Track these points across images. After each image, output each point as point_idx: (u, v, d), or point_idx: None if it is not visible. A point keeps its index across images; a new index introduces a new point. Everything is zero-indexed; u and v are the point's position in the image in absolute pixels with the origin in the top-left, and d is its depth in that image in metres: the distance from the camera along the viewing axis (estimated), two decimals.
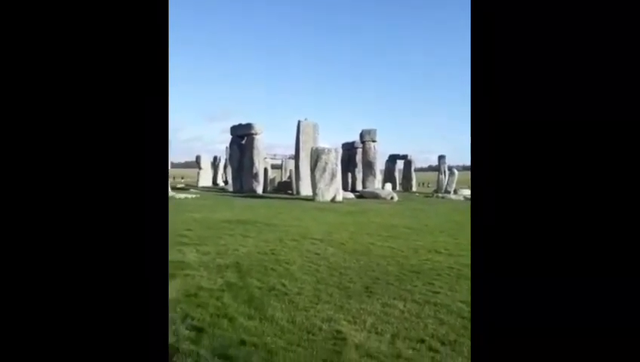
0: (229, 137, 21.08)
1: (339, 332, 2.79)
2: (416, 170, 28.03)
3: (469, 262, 5.03)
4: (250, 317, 3.02)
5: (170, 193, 15.97)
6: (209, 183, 26.54)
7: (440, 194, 20.99)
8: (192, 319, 2.93)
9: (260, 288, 3.77)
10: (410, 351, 2.53)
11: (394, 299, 3.56)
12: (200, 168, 26.68)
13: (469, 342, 2.67)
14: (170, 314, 2.96)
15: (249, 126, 19.70)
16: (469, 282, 4.17)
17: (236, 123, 20.61)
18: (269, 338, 2.67)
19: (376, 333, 2.81)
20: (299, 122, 18.58)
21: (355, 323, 2.98)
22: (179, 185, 22.13)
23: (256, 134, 19.59)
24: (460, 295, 3.72)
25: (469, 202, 13.97)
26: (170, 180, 19.43)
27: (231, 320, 2.95)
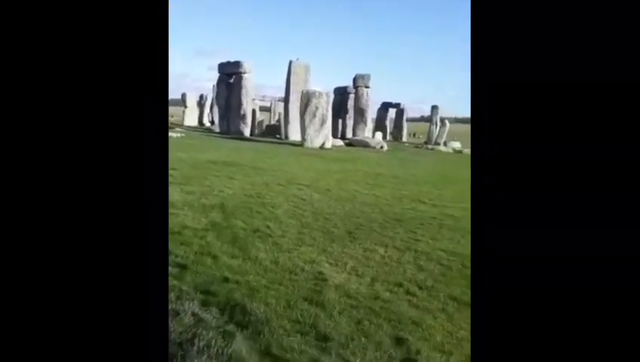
0: (216, 75, 20.26)
1: (320, 273, 2.86)
2: (408, 120, 27.80)
3: (453, 213, 5.17)
4: (233, 256, 3.05)
5: None
6: (195, 123, 25.93)
7: (430, 146, 21.06)
8: (176, 256, 2.95)
9: (244, 229, 3.80)
10: (388, 294, 2.62)
11: (375, 244, 3.64)
12: (185, 107, 25.89)
13: (445, 288, 2.78)
14: None
15: (237, 64, 18.87)
16: (450, 232, 4.28)
17: (225, 60, 19.71)
18: (251, 276, 2.71)
19: (357, 276, 2.89)
20: (290, 62, 17.85)
21: (337, 265, 3.05)
22: None
23: (244, 73, 18.84)
24: (440, 244, 3.82)
25: (458, 155, 14.21)
26: None
27: (214, 258, 2.98)
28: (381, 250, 3.48)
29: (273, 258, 3.09)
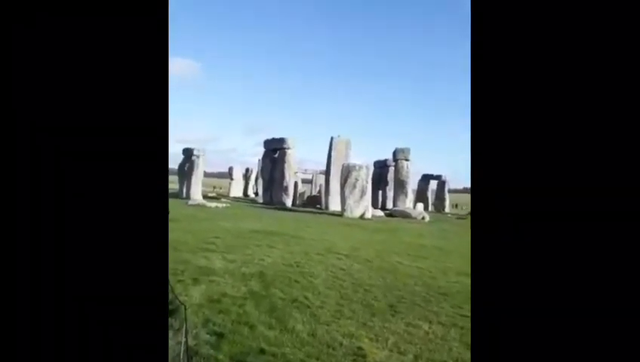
0: (262, 150, 21.53)
1: (359, 348, 2.71)
2: (450, 191, 27.32)
3: None
4: (270, 327, 2.99)
5: (202, 201, 16.40)
6: (240, 194, 27.06)
7: None
8: (214, 324, 2.95)
9: (282, 299, 3.75)
10: None
11: (419, 319, 3.43)
12: (232, 179, 27.31)
13: None
14: (192, 318, 2.99)
15: (282, 140, 20.04)
16: None
17: (270, 136, 21.04)
18: (288, 349, 2.63)
19: (399, 353, 2.71)
20: (332, 138, 18.70)
21: (377, 341, 2.89)
22: (210, 194, 22.70)
23: (288, 148, 19.88)
24: None
25: None
26: (202, 189, 19.96)
27: (251, 328, 2.94)
28: (425, 326, 3.26)
29: (311, 330, 2.99)
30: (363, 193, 15.03)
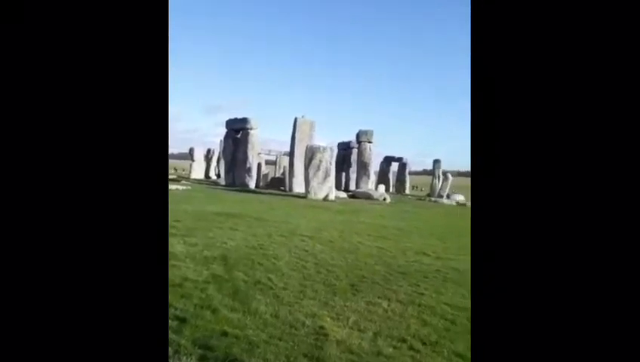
0: (224, 131, 20.98)
1: (321, 327, 2.79)
2: (410, 173, 28.12)
3: (457, 266, 5.09)
4: (233, 310, 3.00)
5: None
6: (201, 176, 26.39)
7: (433, 198, 21.10)
8: (176, 309, 2.91)
9: (245, 281, 3.76)
10: (391, 350, 2.54)
11: (379, 297, 3.57)
12: (193, 160, 26.52)
13: (450, 344, 2.69)
14: None
15: (245, 120, 19.61)
16: (455, 285, 4.20)
17: (232, 117, 20.51)
18: (251, 330, 2.66)
19: (359, 330, 2.81)
20: (295, 119, 18.53)
21: (339, 319, 2.98)
22: (170, 177, 22.00)
23: (251, 129, 19.50)
24: (445, 297, 3.74)
25: (461, 207, 14.02)
26: None
27: (214, 311, 2.93)
28: (384, 304, 3.40)
29: (274, 311, 3.03)
30: (327, 175, 15.13)
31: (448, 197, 21.52)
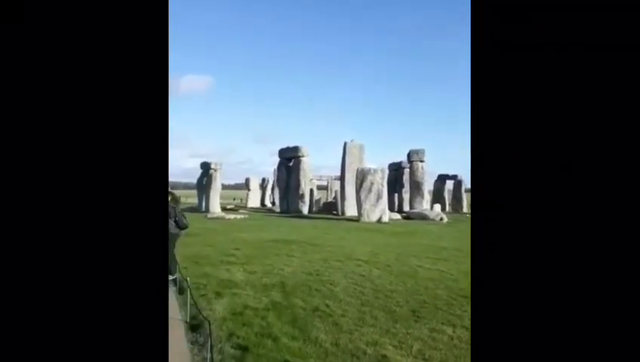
0: (277, 160, 21.70)
1: (384, 356, 2.70)
2: (467, 191, 26.90)
3: None
4: (293, 338, 3.01)
5: (220, 214, 16.60)
6: (257, 204, 27.29)
7: None
8: (238, 337, 2.98)
9: (304, 308, 3.76)
10: None
11: (442, 324, 3.39)
12: (249, 190, 27.58)
13: None
14: (216, 332, 3.04)
15: (296, 149, 20.17)
16: None
17: (284, 146, 21.19)
18: (312, 359, 2.64)
19: (424, 360, 2.68)
20: (345, 143, 18.72)
21: (401, 348, 2.87)
22: (228, 206, 22.97)
23: (302, 156, 19.99)
24: None
25: None
26: (221, 201, 20.20)
27: (275, 339, 2.96)
28: (449, 331, 3.22)
29: (334, 339, 3.00)
30: (379, 196, 14.95)
31: None
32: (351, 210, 17.01)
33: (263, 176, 30.33)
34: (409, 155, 21.89)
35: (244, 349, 2.77)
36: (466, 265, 6.21)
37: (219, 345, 2.82)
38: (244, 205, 26.18)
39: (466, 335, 3.15)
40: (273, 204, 25.94)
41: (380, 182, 15.11)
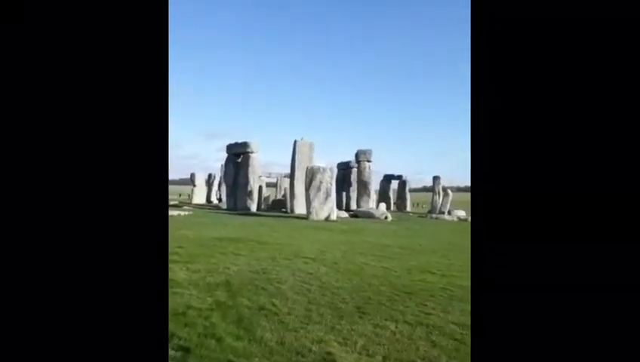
0: (224, 155, 21.12)
1: (329, 353, 2.73)
2: (410, 191, 28.12)
3: (463, 283, 5.02)
4: (238, 338, 2.95)
5: None
6: (203, 200, 26.40)
7: (434, 215, 21.01)
8: (179, 338, 2.86)
9: (249, 308, 3.70)
10: None
11: (386, 319, 3.50)
12: (194, 185, 26.59)
13: None
14: None
15: (245, 144, 19.77)
16: (462, 304, 4.13)
17: (232, 141, 20.69)
18: (256, 359, 2.60)
19: (367, 355, 2.75)
20: (295, 141, 18.69)
21: (346, 344, 2.92)
22: (172, 203, 21.98)
23: (252, 153, 19.65)
24: (452, 316, 3.67)
25: (463, 223, 13.92)
26: None
27: (219, 340, 2.87)
28: (392, 326, 3.34)
29: (279, 338, 2.98)
30: (328, 195, 15.13)
31: (449, 213, 21.43)
32: (300, 208, 17.05)
33: (210, 171, 29.42)
34: (357, 155, 22.41)
35: (186, 350, 2.66)
36: (409, 262, 6.48)
37: None
38: (188, 201, 25.19)
39: (408, 330, 3.28)
40: (220, 200, 25.22)
41: (329, 180, 15.30)
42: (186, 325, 3.14)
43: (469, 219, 18.76)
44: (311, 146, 19.01)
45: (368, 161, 22.25)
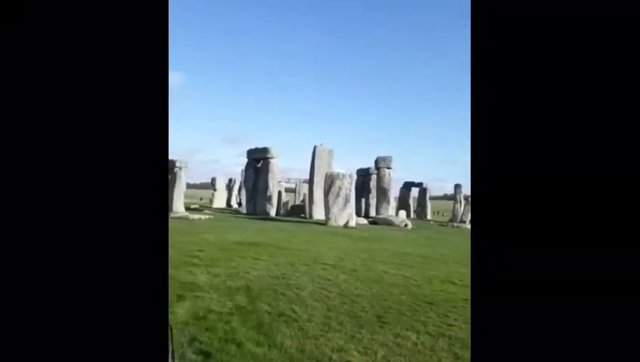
0: (245, 160, 21.38)
1: None
2: (431, 199, 27.72)
3: None
4: (258, 344, 2.95)
5: (185, 213, 16.12)
6: (223, 205, 26.76)
7: (455, 224, 20.62)
8: (200, 343, 2.89)
9: (269, 313, 3.71)
10: None
11: (407, 330, 3.44)
12: (215, 190, 26.99)
13: None
14: (178, 337, 2.92)
15: (265, 150, 19.97)
16: None
17: (253, 146, 20.92)
18: None
19: None
20: (314, 147, 18.75)
21: (367, 354, 2.88)
22: (193, 206, 22.36)
23: (272, 158, 19.82)
24: None
25: None
26: (185, 201, 19.63)
27: (239, 345, 2.89)
28: (413, 337, 3.28)
29: (299, 345, 2.96)
30: (347, 201, 15.08)
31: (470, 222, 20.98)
32: (319, 214, 17.04)
33: (230, 176, 29.81)
34: (376, 162, 22.27)
35: (207, 355, 2.68)
36: (430, 271, 6.37)
37: (180, 351, 2.71)
38: (209, 205, 25.58)
39: (430, 341, 3.22)
40: (240, 205, 25.52)
41: (348, 187, 15.25)
42: (207, 329, 3.17)
43: None
44: (330, 152, 19.03)
45: (388, 168, 22.08)
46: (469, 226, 19.50)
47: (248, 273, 5.39)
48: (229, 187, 29.07)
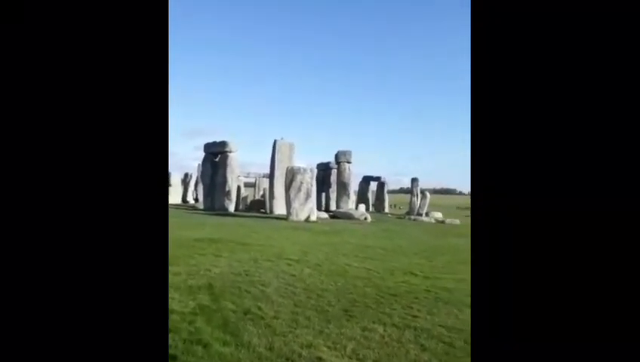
0: (202, 154, 20.70)
1: (319, 359, 2.69)
2: (388, 192, 28.43)
3: (446, 285, 5.08)
4: (225, 343, 2.86)
5: None
6: (179, 200, 25.80)
7: (412, 216, 21.31)
8: None
9: (234, 311, 3.61)
10: None
11: (373, 322, 3.49)
12: (170, 185, 25.94)
13: None
14: None
15: (224, 143, 19.44)
16: (447, 306, 4.17)
17: (211, 140, 20.31)
18: None
19: (358, 360, 2.72)
20: (275, 141, 18.53)
21: (336, 348, 2.88)
22: None
23: (230, 152, 19.33)
24: (439, 318, 3.70)
25: (441, 225, 14.20)
26: None
27: (205, 346, 2.78)
28: (380, 329, 3.33)
29: (267, 343, 2.91)
30: (308, 196, 15.07)
31: (427, 214, 21.79)
32: (279, 209, 16.90)
33: (186, 170, 28.81)
34: (337, 156, 22.45)
35: (172, 358, 2.55)
36: (391, 263, 6.52)
37: None
38: None
39: (396, 333, 3.28)
40: (196, 200, 24.73)
41: (310, 181, 15.24)
42: (170, 330, 3.02)
43: (446, 220, 19.14)
44: (291, 146, 18.89)
45: (348, 163, 22.34)
46: (424, 219, 20.23)
47: (210, 271, 5.23)
48: (185, 182, 28.07)
